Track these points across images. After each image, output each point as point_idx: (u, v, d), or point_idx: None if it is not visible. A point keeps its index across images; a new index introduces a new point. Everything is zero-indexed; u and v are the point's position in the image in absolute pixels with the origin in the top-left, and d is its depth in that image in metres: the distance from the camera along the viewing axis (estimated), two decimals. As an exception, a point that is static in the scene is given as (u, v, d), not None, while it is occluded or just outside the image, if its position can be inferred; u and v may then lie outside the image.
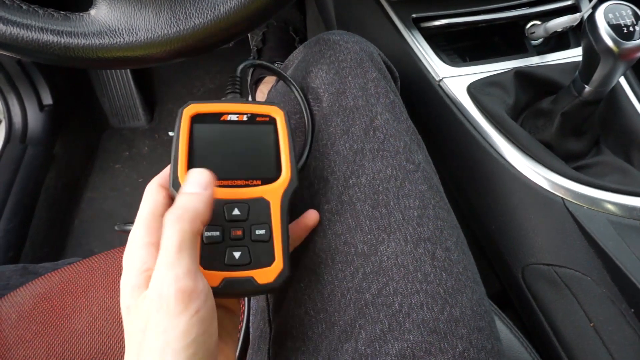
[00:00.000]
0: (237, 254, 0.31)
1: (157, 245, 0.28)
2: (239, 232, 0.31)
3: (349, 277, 0.35)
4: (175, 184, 0.31)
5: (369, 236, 0.36)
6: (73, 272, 0.50)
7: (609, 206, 0.49)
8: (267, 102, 0.36)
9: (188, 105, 0.33)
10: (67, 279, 0.49)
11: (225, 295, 0.31)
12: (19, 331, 0.46)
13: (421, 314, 0.33)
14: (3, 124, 0.98)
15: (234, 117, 0.34)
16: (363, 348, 0.33)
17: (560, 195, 0.51)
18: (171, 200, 0.32)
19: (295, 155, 0.35)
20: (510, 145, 0.54)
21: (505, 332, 0.46)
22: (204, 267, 0.30)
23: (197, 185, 0.29)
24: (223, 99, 0.36)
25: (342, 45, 0.43)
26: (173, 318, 0.25)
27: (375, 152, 0.38)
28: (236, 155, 0.34)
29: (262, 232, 0.32)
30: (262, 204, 0.32)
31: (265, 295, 0.41)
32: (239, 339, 0.45)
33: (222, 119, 0.34)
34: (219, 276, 0.30)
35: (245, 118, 0.34)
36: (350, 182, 0.38)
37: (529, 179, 0.52)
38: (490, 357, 0.33)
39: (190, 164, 0.32)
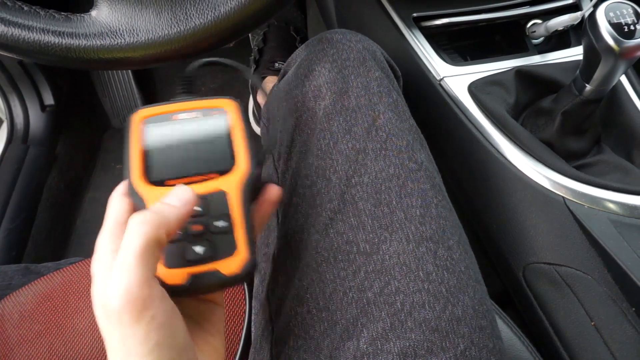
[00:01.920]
0: (198, 249, 0.30)
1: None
2: (200, 227, 0.31)
3: (351, 275, 0.35)
4: (131, 191, 0.31)
5: (371, 235, 0.36)
6: (75, 272, 0.50)
7: (610, 205, 0.49)
8: (219, 96, 0.35)
9: (137, 110, 0.33)
10: (69, 279, 0.49)
11: (195, 292, 0.31)
12: (22, 331, 0.46)
13: (423, 312, 0.33)
14: (5, 124, 0.98)
15: (185, 116, 0.34)
16: (365, 346, 0.33)
17: (561, 194, 0.51)
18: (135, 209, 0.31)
19: (252, 143, 0.34)
20: (511, 144, 0.54)
21: (507, 331, 0.46)
22: (167, 265, 0.29)
23: (177, 199, 0.29)
24: (172, 99, 0.36)
25: (345, 44, 0.43)
26: (127, 327, 0.24)
27: (377, 151, 0.38)
28: (191, 152, 0.33)
29: (222, 223, 0.31)
30: (220, 196, 0.32)
31: (266, 294, 0.41)
32: (240, 339, 0.46)
33: (173, 118, 0.34)
34: (183, 273, 0.29)
35: (196, 115, 0.34)
36: (353, 181, 0.38)
37: (530, 178, 0.52)
38: (492, 356, 0.33)
39: (146, 168, 0.32)
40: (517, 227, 0.53)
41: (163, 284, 0.28)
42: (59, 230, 0.98)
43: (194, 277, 0.29)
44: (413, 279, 0.34)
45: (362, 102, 0.40)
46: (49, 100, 1.00)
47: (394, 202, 0.36)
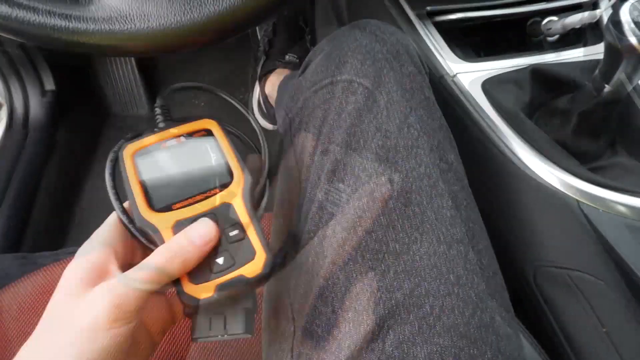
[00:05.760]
0: (220, 260, 0.32)
1: (116, 251, 0.31)
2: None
3: (380, 275, 0.34)
4: (142, 222, 0.32)
5: (401, 234, 0.35)
6: (75, 264, 0.49)
7: (625, 209, 0.48)
8: (197, 117, 0.38)
9: (124, 146, 0.35)
10: (70, 271, 0.48)
11: (226, 301, 0.32)
12: (20, 324, 0.45)
13: (452, 317, 0.32)
14: (4, 109, 0.96)
15: (172, 142, 0.36)
16: (391, 349, 0.32)
17: (575, 196, 0.49)
18: None
19: (240, 154, 0.37)
20: (525, 144, 0.53)
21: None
22: (194, 282, 0.31)
23: (200, 237, 0.31)
24: (155, 129, 0.37)
25: (379, 35, 0.42)
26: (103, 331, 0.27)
27: (409, 150, 0.37)
28: (188, 174, 0.35)
29: (235, 232, 0.33)
30: (227, 208, 0.34)
31: (288, 294, 0.40)
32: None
33: (162, 147, 0.36)
34: (211, 286, 0.31)
35: (183, 139, 0.36)
36: (383, 179, 0.36)
37: (544, 179, 0.51)
38: None
39: (148, 197, 0.33)
40: (529, 228, 0.52)
41: (193, 299, 0.30)
42: (58, 217, 0.96)
43: (221, 287, 0.31)
44: (443, 282, 0.33)
45: (394, 98, 0.39)
46: (49, 85, 0.98)
47: (425, 202, 0.35)
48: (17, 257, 0.55)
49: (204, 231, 0.31)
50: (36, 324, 0.45)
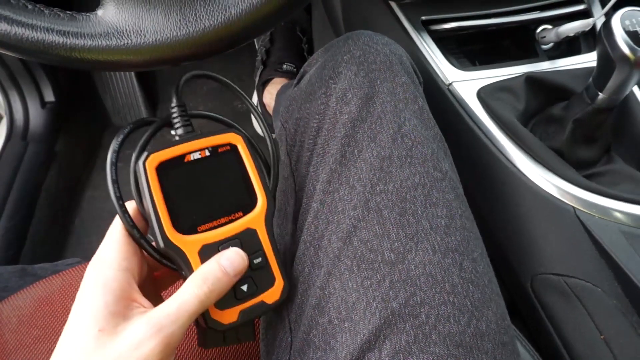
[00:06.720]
0: (244, 287, 0.33)
1: (133, 274, 0.31)
2: None
3: (375, 285, 0.34)
4: (167, 243, 0.31)
5: (396, 244, 0.35)
6: (74, 276, 0.49)
7: (621, 216, 0.49)
8: (223, 129, 0.36)
9: (148, 157, 0.32)
10: (69, 283, 0.48)
11: (244, 324, 0.33)
12: (20, 335, 0.45)
13: (448, 326, 0.32)
14: (4, 120, 0.97)
15: (196, 155, 0.34)
16: (387, 359, 0.32)
17: (571, 204, 0.50)
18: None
19: (265, 176, 0.36)
20: (521, 152, 0.53)
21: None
22: (219, 308, 0.32)
23: (233, 268, 0.31)
24: (177, 138, 0.35)
25: (372, 46, 0.42)
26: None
27: (403, 159, 0.38)
28: (211, 194, 0.34)
29: (259, 260, 0.34)
30: (251, 234, 0.34)
31: (285, 305, 0.40)
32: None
33: (185, 160, 0.33)
34: (235, 311, 0.32)
35: (207, 153, 0.34)
36: (378, 189, 0.37)
37: (540, 187, 0.51)
38: None
39: (175, 217, 0.32)
40: (526, 236, 0.52)
41: (219, 325, 0.31)
42: (57, 229, 0.96)
43: (244, 312, 0.33)
44: (439, 290, 0.33)
45: (388, 108, 0.39)
46: (49, 96, 0.98)
47: (419, 212, 0.36)
48: (16, 269, 0.55)
49: (237, 262, 0.32)
50: (35, 336, 0.46)
